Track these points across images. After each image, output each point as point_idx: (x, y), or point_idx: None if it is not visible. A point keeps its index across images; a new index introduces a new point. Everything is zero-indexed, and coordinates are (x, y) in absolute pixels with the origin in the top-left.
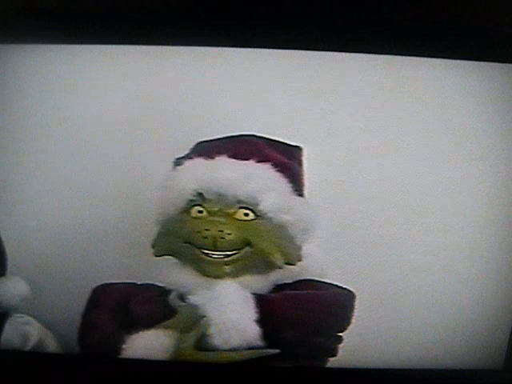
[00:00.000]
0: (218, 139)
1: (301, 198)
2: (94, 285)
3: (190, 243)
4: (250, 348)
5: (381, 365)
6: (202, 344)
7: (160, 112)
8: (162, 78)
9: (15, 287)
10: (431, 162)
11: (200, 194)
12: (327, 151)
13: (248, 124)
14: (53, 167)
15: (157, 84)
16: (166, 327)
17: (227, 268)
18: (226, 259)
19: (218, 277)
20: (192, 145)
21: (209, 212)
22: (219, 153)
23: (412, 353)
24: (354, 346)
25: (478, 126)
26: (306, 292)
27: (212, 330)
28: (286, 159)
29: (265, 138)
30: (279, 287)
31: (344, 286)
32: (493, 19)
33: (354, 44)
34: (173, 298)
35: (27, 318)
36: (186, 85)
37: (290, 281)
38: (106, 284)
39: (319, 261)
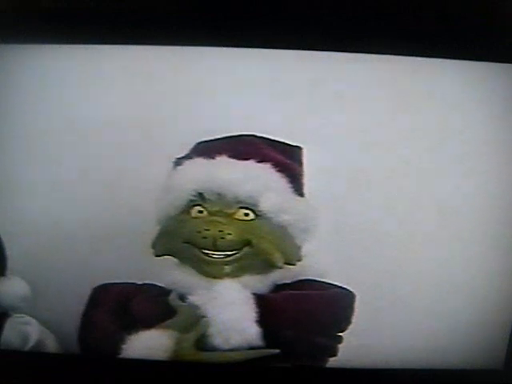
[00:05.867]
0: (218, 139)
1: (301, 198)
2: (94, 285)
3: (189, 243)
4: (250, 348)
5: (381, 365)
6: (202, 344)
7: (160, 112)
8: (161, 78)
9: (15, 287)
10: (431, 162)
11: (200, 194)
12: (327, 151)
13: (248, 124)
14: (53, 167)
15: (157, 84)
16: (166, 327)
17: (227, 268)
18: (225, 259)
19: (218, 277)
20: (192, 145)
21: (209, 212)
22: (219, 153)
23: (412, 353)
24: (354, 345)
25: (478, 126)
26: (306, 292)
27: (212, 330)
28: (286, 159)
29: (265, 138)
30: (279, 287)
31: (344, 286)
32: (493, 19)
33: (354, 44)
34: (173, 298)
35: (27, 318)
36: (186, 85)
37: (289, 281)
38: (106, 284)
39: (319, 261)
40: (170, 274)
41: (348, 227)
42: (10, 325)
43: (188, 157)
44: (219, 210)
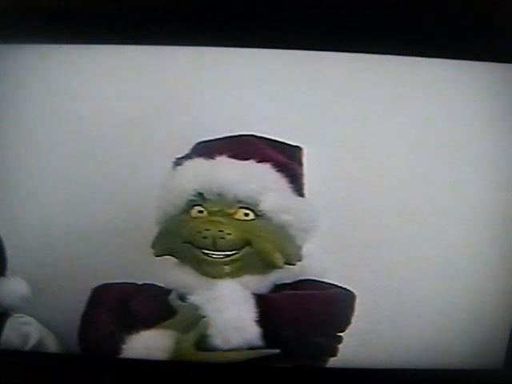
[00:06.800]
0: (218, 139)
1: (301, 198)
2: (94, 285)
3: (189, 243)
4: (250, 348)
5: (381, 365)
6: (202, 344)
7: (160, 112)
8: (161, 78)
9: (15, 287)
10: (431, 162)
11: (200, 194)
12: (327, 151)
13: (248, 124)
14: (53, 167)
15: (157, 84)
16: (166, 327)
17: (227, 268)
18: (225, 259)
19: (218, 277)
20: (192, 145)
21: (209, 212)
22: (219, 153)
23: (412, 353)
24: (354, 345)
25: (478, 126)
26: (306, 292)
27: (212, 330)
28: (286, 159)
29: (265, 138)
30: (279, 287)
31: (344, 286)
32: (493, 19)
33: (354, 44)
34: (173, 298)
35: (27, 318)
36: (186, 85)
37: (290, 281)
38: (106, 284)
39: (319, 261)
40: (170, 273)
41: (348, 227)
42: (10, 325)
43: (188, 157)
44: (219, 209)
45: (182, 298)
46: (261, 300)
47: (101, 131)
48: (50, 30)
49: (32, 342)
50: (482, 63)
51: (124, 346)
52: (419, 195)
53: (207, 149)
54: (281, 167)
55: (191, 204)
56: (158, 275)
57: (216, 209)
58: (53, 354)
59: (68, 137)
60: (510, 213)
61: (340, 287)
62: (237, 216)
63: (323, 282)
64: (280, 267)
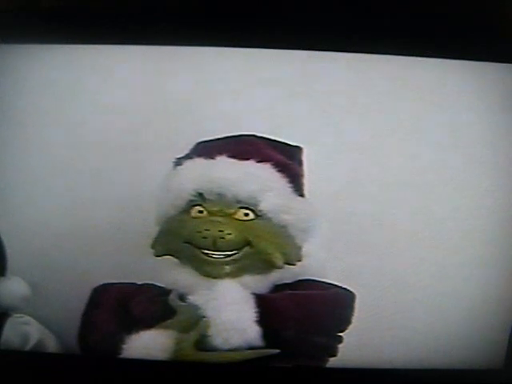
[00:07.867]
0: (218, 139)
1: (301, 198)
2: (94, 285)
3: (189, 243)
4: (250, 348)
5: (381, 365)
6: (202, 344)
7: (160, 112)
8: (161, 78)
9: (15, 287)
10: (431, 162)
11: (200, 194)
12: (327, 151)
13: (248, 124)
14: (52, 167)
15: (156, 84)
16: (166, 327)
17: (227, 268)
18: (225, 259)
19: (218, 277)
20: (192, 145)
21: (209, 212)
22: (219, 153)
23: (412, 353)
24: (354, 345)
25: (478, 126)
26: (306, 292)
27: (212, 330)
28: (286, 159)
29: (265, 138)
30: (279, 287)
31: (344, 286)
32: (493, 19)
33: (354, 44)
34: (173, 298)
35: (27, 318)
36: (186, 85)
37: (289, 281)
38: (106, 284)
39: (319, 261)
40: (170, 273)
41: (348, 227)
42: (10, 325)
43: (188, 157)
44: (219, 210)
45: (182, 298)
46: (261, 300)
47: (100, 131)
48: (50, 30)
49: (32, 342)
50: (482, 63)
51: (124, 346)
52: (419, 194)
53: (207, 149)
54: (281, 167)
55: (191, 204)
56: (158, 275)
57: (216, 209)
58: (53, 354)
59: (67, 137)
60: (510, 213)
61: (340, 287)
62: (237, 216)
63: (323, 282)
64: (280, 267)
